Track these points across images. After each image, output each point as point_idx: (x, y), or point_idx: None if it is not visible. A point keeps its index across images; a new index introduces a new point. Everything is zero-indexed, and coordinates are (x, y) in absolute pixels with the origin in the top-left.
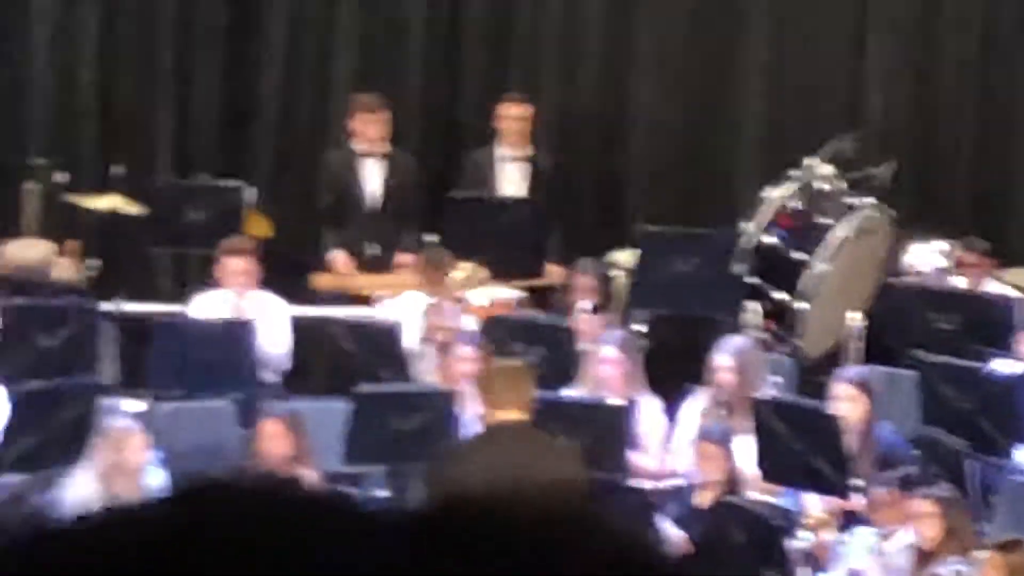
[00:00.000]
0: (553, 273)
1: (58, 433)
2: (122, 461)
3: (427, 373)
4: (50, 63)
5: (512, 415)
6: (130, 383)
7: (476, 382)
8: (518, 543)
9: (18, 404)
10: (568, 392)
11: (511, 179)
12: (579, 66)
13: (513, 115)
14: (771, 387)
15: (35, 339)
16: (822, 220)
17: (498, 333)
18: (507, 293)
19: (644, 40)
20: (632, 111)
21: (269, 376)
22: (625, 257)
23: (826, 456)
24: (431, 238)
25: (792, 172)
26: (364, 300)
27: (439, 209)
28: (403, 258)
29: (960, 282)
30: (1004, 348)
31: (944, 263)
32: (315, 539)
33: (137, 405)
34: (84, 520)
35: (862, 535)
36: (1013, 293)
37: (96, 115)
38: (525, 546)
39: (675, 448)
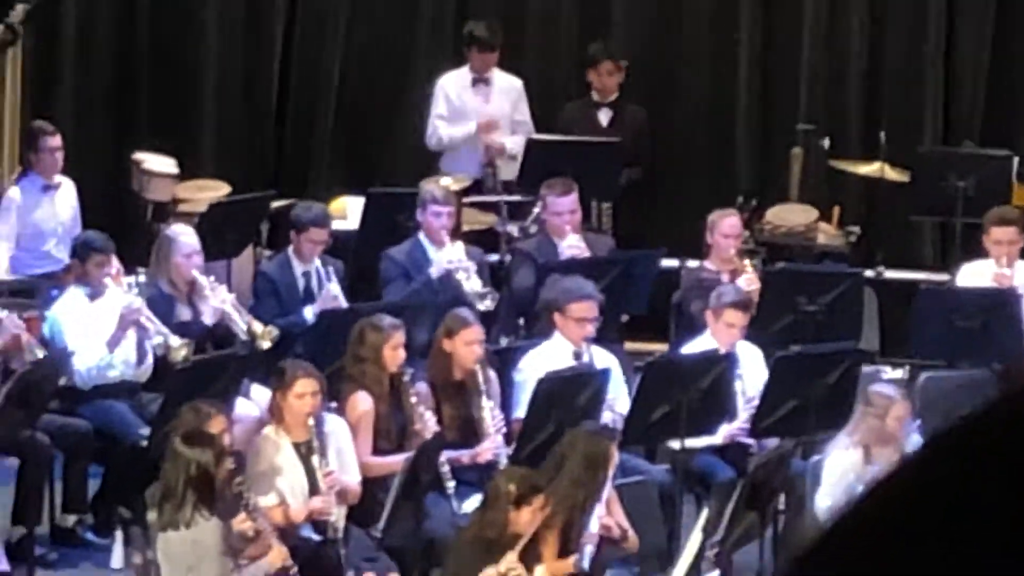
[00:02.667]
0: None
1: (819, 398)
2: (885, 429)
3: None
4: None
5: None
6: (890, 350)
7: None
8: None
9: (778, 368)
10: None
11: None
12: None
13: None
14: None
15: (797, 304)
16: None
17: None
18: None
19: None
20: None
21: None
22: None
23: None
24: None
25: None
26: None
27: None
28: None
29: None
30: None
31: None
32: None
33: (897, 373)
34: None
35: None
36: None
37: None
38: None
39: None
